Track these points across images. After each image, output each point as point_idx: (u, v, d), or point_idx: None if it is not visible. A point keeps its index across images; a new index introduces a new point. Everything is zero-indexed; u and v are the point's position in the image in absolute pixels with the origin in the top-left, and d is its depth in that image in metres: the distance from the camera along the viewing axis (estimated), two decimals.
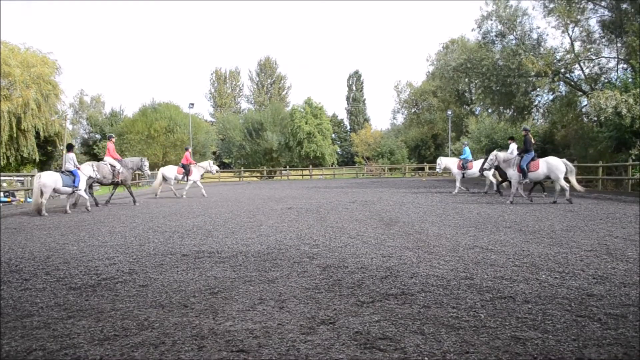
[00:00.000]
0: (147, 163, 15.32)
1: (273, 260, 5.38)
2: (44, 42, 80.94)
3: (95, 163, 13.39)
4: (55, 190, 11.62)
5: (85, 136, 53.75)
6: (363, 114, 67.90)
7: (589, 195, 14.97)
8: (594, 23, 23.37)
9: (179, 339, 2.97)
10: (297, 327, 3.15)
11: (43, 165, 33.87)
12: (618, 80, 20.91)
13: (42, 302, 3.88)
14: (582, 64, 24.04)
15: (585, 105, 23.98)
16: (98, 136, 50.81)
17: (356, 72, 69.15)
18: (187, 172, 17.79)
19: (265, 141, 47.32)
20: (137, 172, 16.70)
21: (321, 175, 44.55)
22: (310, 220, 9.28)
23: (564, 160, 12.08)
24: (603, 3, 22.32)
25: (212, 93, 71.18)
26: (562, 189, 11.90)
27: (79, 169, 12.27)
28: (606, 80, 23.35)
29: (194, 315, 3.45)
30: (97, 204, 13.66)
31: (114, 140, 15.23)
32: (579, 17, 22.57)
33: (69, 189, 11.87)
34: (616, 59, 23.54)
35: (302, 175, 41.29)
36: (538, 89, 25.09)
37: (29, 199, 17.65)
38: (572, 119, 25.52)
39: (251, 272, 4.80)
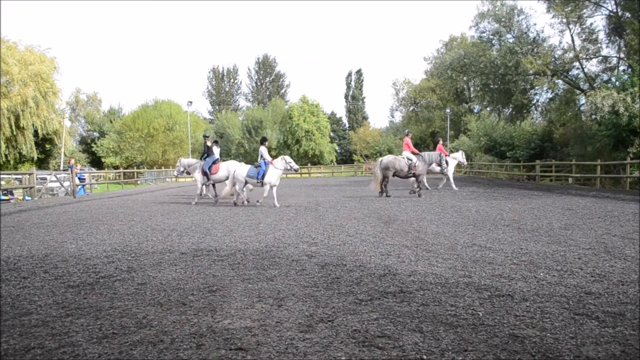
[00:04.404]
0: (443, 156, 15.70)
1: (271, 258, 5.37)
2: (41, 40, 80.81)
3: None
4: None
5: (84, 134, 53.56)
6: (362, 112, 67.66)
7: (587, 193, 15.00)
8: (596, 21, 23.42)
9: (177, 337, 2.97)
10: (295, 325, 3.15)
11: (41, 164, 33.82)
12: (617, 81, 20.91)
13: (41, 300, 3.87)
14: (581, 62, 24.04)
15: (584, 104, 24.00)
16: (96, 134, 50.57)
17: (358, 71, 68.65)
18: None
19: None
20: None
21: (319, 173, 44.55)
22: (308, 218, 9.28)
23: (242, 164, 13.61)
24: (606, 4, 22.29)
25: (210, 91, 71.00)
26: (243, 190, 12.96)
27: (271, 163, 12.28)
28: (604, 79, 23.37)
29: (193, 313, 3.45)
30: (387, 195, 14.22)
31: (411, 135, 15.68)
32: (581, 13, 22.55)
33: (251, 179, 12.45)
34: (617, 58, 23.55)
35: (301, 174, 41.27)
36: (536, 88, 25.08)
37: (27, 197, 17.63)
38: (570, 117, 25.54)
39: (250, 270, 4.80)
